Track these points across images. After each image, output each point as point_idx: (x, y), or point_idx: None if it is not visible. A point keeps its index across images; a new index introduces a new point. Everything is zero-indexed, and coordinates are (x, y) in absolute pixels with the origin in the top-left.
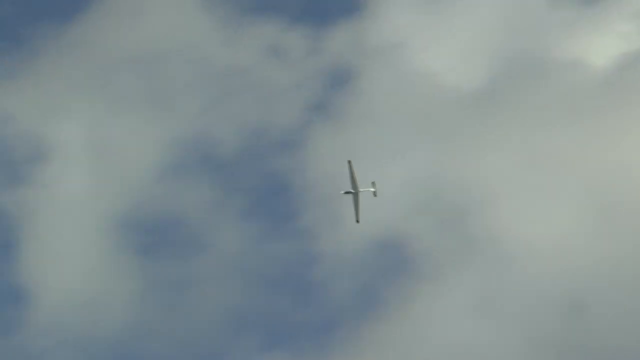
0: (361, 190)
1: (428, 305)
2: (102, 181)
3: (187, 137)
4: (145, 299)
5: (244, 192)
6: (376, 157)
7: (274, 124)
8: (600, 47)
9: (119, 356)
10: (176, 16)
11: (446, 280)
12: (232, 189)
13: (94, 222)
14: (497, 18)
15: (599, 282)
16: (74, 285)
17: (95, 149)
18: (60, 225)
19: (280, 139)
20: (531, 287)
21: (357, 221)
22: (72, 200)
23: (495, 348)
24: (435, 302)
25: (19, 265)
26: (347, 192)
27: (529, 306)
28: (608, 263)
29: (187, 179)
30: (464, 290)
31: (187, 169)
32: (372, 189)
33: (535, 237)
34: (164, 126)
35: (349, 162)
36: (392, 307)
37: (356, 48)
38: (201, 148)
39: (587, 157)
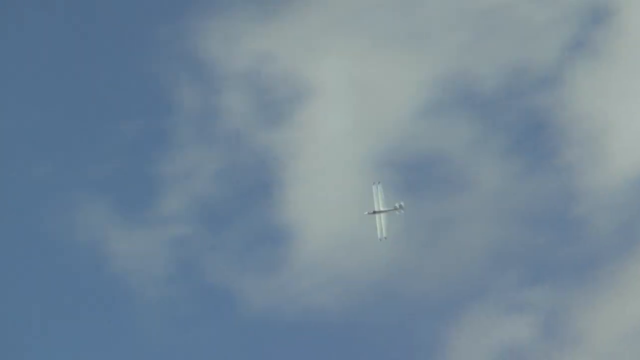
0: (387, 209)
1: None
2: (364, 120)
3: (448, 75)
4: (407, 237)
5: (504, 130)
6: (636, 94)
7: (534, 61)
8: None
9: (381, 294)
10: None
11: None
12: (492, 127)
13: (355, 161)
14: None
15: None
16: (336, 224)
17: (356, 87)
18: (322, 164)
19: (540, 76)
20: None
21: (380, 239)
22: (333, 139)
23: None
24: None
25: (282, 205)
26: (372, 213)
27: None
28: None
29: (448, 117)
30: None
31: (447, 107)
32: (397, 208)
33: None
34: (424, 64)
35: (378, 183)
36: None
37: None
38: (462, 86)
39: None
